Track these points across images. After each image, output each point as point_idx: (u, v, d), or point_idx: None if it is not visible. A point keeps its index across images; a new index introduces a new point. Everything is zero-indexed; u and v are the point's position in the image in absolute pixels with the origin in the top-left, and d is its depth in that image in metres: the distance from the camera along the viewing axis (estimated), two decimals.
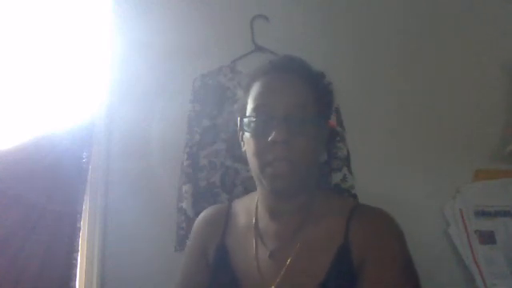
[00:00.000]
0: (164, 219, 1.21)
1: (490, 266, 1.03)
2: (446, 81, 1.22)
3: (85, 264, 1.18)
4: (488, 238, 1.07)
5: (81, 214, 1.13)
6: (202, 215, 0.91)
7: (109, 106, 1.34)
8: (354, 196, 1.13)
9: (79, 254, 1.11)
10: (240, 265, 0.78)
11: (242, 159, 1.20)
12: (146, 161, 1.27)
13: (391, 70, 1.25)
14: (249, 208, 0.85)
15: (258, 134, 0.73)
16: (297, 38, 1.31)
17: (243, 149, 0.81)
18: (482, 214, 1.09)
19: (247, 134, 0.75)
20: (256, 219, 0.81)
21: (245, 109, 0.77)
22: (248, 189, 1.09)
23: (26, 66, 1.22)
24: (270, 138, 0.69)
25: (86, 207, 1.20)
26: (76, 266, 1.07)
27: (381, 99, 1.24)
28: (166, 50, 1.34)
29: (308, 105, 0.74)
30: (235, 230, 0.84)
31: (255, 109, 0.74)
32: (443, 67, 1.23)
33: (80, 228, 1.12)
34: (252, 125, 0.74)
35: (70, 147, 1.11)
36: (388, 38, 1.28)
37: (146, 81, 1.34)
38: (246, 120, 0.75)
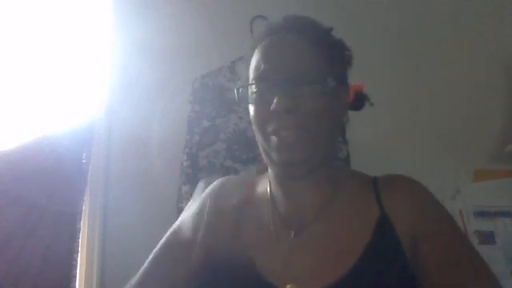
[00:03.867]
0: (164, 219, 1.21)
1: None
2: (445, 81, 1.22)
3: (85, 264, 1.19)
4: (488, 238, 1.06)
5: (81, 214, 1.14)
6: (215, 188, 0.76)
7: (109, 106, 1.34)
8: None
9: (79, 254, 1.11)
10: (260, 254, 0.64)
11: (242, 159, 1.20)
12: (146, 161, 1.27)
13: (391, 71, 1.25)
14: (263, 187, 0.74)
15: (260, 104, 0.64)
16: None
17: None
18: (481, 214, 1.09)
19: (250, 106, 0.66)
20: (272, 199, 0.70)
21: (248, 76, 0.69)
22: None
23: (26, 66, 1.22)
24: (271, 107, 0.60)
25: (85, 207, 1.20)
26: (76, 267, 1.07)
27: (380, 99, 1.23)
28: (166, 50, 1.34)
29: (315, 64, 0.63)
30: (250, 213, 0.71)
31: (255, 78, 0.65)
32: (443, 67, 1.23)
33: (80, 228, 1.12)
34: (253, 95, 0.65)
35: (70, 148, 1.11)
36: (388, 39, 1.27)
37: (146, 81, 1.34)
38: (247, 89, 0.66)
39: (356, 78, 1.34)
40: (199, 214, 0.74)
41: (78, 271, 1.10)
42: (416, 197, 0.65)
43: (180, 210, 1.17)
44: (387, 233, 0.61)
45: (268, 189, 0.72)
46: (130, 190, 1.27)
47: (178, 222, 0.78)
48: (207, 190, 0.78)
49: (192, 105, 1.25)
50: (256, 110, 0.64)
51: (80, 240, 1.11)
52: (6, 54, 1.20)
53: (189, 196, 1.16)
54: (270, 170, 0.72)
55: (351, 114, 1.23)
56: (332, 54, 0.67)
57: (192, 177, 1.18)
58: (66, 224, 1.06)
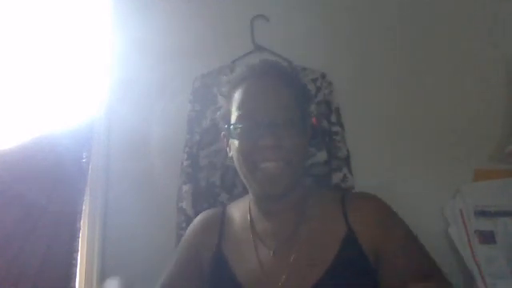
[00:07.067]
0: (164, 219, 1.21)
1: (490, 266, 1.03)
2: (446, 80, 1.22)
3: (85, 264, 1.18)
4: (488, 237, 1.06)
5: (81, 213, 1.13)
6: (194, 222, 0.91)
7: (109, 105, 1.34)
8: None
9: (79, 253, 1.10)
10: (241, 270, 0.77)
11: None
12: (146, 161, 1.27)
13: (391, 70, 1.25)
14: (243, 211, 0.86)
15: (246, 140, 0.75)
16: (297, 37, 1.31)
17: (230, 154, 0.83)
18: (481, 213, 1.09)
19: (235, 141, 0.78)
20: (251, 221, 0.82)
21: (229, 116, 0.80)
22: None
23: (25, 65, 1.22)
24: (258, 144, 0.72)
25: (85, 207, 1.19)
26: (76, 266, 1.07)
27: (381, 99, 1.24)
28: (166, 50, 1.34)
29: (290, 106, 0.77)
30: (231, 235, 0.83)
31: (240, 117, 0.76)
32: (443, 66, 1.23)
33: (80, 228, 1.12)
34: (239, 132, 0.76)
35: (70, 147, 1.11)
36: (388, 38, 1.27)
37: (145, 81, 1.34)
38: (232, 128, 0.77)
39: (357, 76, 1.34)
40: (187, 247, 0.87)
41: (77, 271, 1.10)
42: (377, 216, 0.76)
43: (180, 210, 1.17)
44: (353, 248, 0.72)
45: (248, 209, 0.84)
46: (130, 190, 1.27)
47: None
48: (191, 225, 0.91)
49: (192, 104, 1.25)
50: (242, 144, 0.75)
51: (80, 240, 1.11)
52: (5, 54, 1.20)
53: (189, 195, 1.16)
54: (250, 193, 0.84)
55: (352, 110, 1.24)
56: (300, 94, 0.81)
57: (192, 176, 1.18)
58: (66, 224, 1.05)
